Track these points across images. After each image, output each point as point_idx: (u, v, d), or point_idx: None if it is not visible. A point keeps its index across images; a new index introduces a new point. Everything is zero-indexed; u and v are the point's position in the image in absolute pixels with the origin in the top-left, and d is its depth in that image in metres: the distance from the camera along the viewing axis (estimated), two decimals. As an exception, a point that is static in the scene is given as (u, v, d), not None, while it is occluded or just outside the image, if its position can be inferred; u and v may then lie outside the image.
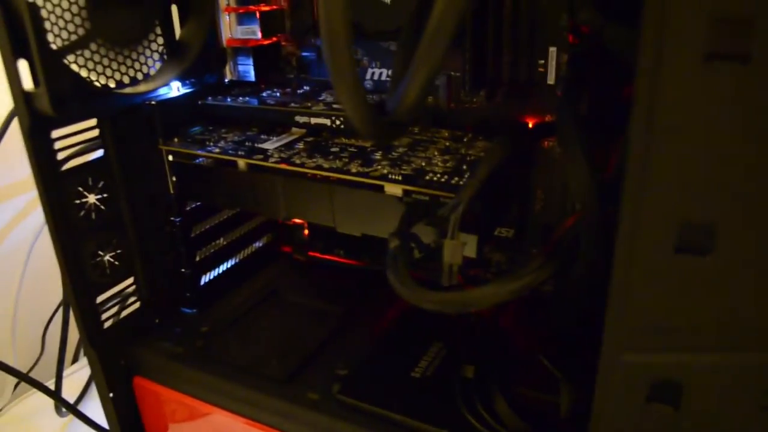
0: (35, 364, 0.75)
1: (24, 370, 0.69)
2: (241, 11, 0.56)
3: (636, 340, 0.30)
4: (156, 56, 0.52)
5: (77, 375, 0.75)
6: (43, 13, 0.43)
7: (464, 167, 0.44)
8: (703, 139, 0.25)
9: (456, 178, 0.42)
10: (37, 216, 0.77)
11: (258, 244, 0.67)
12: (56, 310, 0.74)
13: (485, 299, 0.32)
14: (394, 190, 0.42)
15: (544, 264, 0.33)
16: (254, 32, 0.56)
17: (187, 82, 0.55)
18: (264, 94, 0.56)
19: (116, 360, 0.53)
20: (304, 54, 0.58)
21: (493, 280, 0.33)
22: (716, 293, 0.28)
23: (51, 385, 0.67)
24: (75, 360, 0.81)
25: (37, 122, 0.44)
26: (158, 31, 0.52)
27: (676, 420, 0.31)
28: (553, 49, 0.47)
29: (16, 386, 0.74)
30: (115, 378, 0.53)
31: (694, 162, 0.26)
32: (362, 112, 0.30)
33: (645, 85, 0.25)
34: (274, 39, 0.57)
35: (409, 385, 0.46)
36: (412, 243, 0.39)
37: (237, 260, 0.64)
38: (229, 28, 0.57)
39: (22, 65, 0.43)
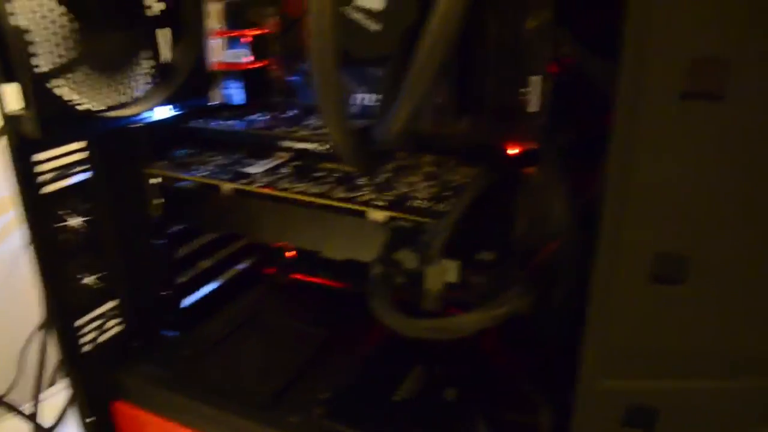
0: (11, 387, 0.73)
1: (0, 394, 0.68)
2: (231, 35, 0.57)
3: (612, 367, 0.31)
4: (144, 79, 0.52)
5: (55, 399, 0.73)
6: (32, 36, 0.43)
7: (447, 193, 0.44)
8: (678, 173, 0.26)
9: (439, 205, 0.42)
10: (14, 238, 0.76)
11: (240, 267, 0.67)
12: (33, 333, 0.72)
13: (468, 326, 0.33)
14: (377, 216, 0.42)
15: (524, 291, 0.34)
16: (242, 56, 0.56)
17: (173, 104, 0.55)
18: (251, 118, 0.56)
19: (97, 383, 0.53)
20: (292, 78, 0.58)
21: (476, 308, 0.33)
22: (689, 321, 0.29)
23: (27, 409, 0.66)
24: (52, 383, 0.79)
25: (22, 145, 0.44)
26: (147, 54, 0.52)
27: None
28: (536, 78, 0.48)
29: (-9, 409, 0.73)
30: (95, 402, 0.53)
31: (668, 194, 0.27)
32: (348, 142, 0.31)
33: (622, 120, 0.26)
34: (263, 63, 0.58)
35: (391, 409, 0.46)
36: (394, 269, 0.39)
37: (219, 282, 0.64)
38: (217, 52, 0.57)
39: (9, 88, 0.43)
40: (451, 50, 0.39)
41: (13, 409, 0.65)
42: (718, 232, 0.27)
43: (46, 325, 0.67)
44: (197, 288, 0.61)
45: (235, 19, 0.57)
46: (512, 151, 0.49)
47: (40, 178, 0.46)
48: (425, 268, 0.37)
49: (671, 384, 0.30)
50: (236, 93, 0.58)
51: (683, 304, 0.28)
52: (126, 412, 0.53)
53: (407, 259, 0.40)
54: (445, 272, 0.37)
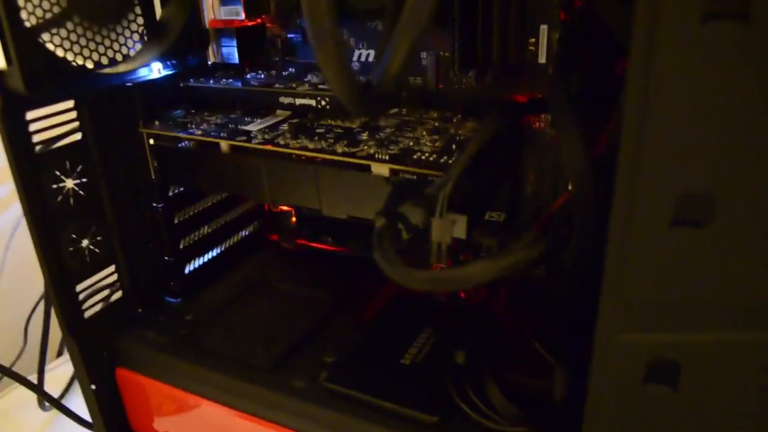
0: (17, 358, 0.73)
1: (6, 364, 0.67)
2: (225, -9, 0.54)
3: (632, 320, 0.29)
4: (136, 37, 0.50)
5: (61, 369, 0.73)
6: (17, -12, 0.42)
7: (453, 147, 0.42)
8: (700, 105, 0.24)
9: (445, 157, 0.40)
10: (15, 208, 0.75)
11: (244, 233, 0.65)
12: (37, 303, 0.72)
13: (475, 276, 0.31)
14: (380, 169, 0.41)
15: (535, 241, 0.32)
16: (238, 13, 0.54)
17: (169, 63, 0.54)
18: (248, 77, 0.54)
19: (98, 351, 0.52)
20: (290, 36, 0.56)
21: (484, 257, 0.32)
22: (714, 267, 0.27)
23: (33, 379, 0.66)
24: (59, 354, 0.79)
25: (10, 102, 0.42)
26: (138, 10, 0.50)
27: (673, 400, 0.30)
28: (544, 27, 0.46)
29: (-2, 380, 0.72)
30: (96, 369, 0.52)
31: (690, 130, 0.25)
32: (347, 84, 0.29)
33: (640, 50, 0.24)
34: (259, 20, 0.56)
35: (399, 372, 0.45)
36: (399, 223, 0.38)
37: (223, 248, 0.63)
38: (212, 9, 0.55)
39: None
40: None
41: (19, 378, 0.65)
42: (744, 168, 0.25)
43: (48, 295, 0.67)
44: (200, 254, 0.60)
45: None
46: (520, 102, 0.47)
47: (32, 139, 0.45)
48: (431, 219, 0.35)
49: (695, 336, 0.28)
50: (232, 52, 0.56)
51: (708, 249, 0.26)
52: (129, 378, 0.52)
53: (412, 213, 0.39)
54: (451, 225, 0.35)
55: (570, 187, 0.42)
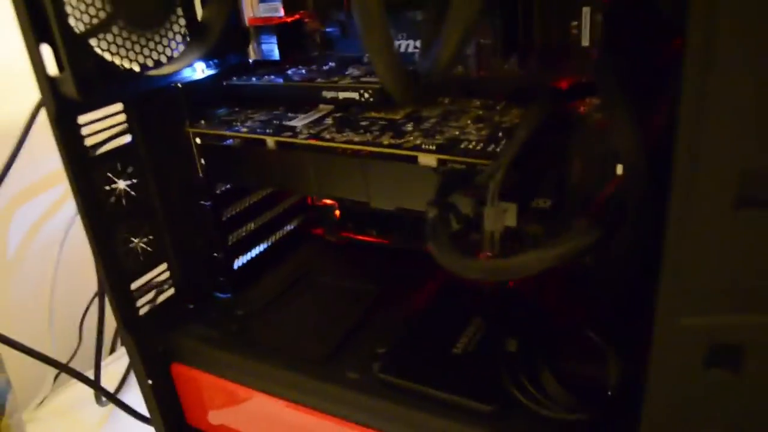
0: (74, 354, 0.75)
1: (63, 361, 0.69)
2: (263, -12, 0.55)
3: (693, 303, 0.29)
4: (179, 38, 0.51)
5: (116, 365, 0.75)
6: (65, -5, 0.43)
7: (500, 134, 0.42)
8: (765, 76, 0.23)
9: (492, 146, 0.40)
10: (68, 208, 0.77)
11: (289, 227, 0.66)
12: (92, 300, 0.74)
13: (531, 265, 0.31)
14: (428, 160, 0.41)
15: (589, 228, 0.32)
16: (276, 9, 0.55)
17: (211, 63, 0.54)
18: (289, 72, 0.55)
19: (153, 347, 0.53)
20: (328, 30, 0.57)
21: (539, 246, 0.32)
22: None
23: (90, 375, 0.68)
24: (113, 350, 0.81)
25: (63, 108, 0.43)
26: (180, 12, 0.51)
27: (735, 385, 0.30)
28: (586, 9, 0.45)
29: (56, 377, 0.75)
30: (153, 365, 0.53)
31: (755, 103, 0.24)
32: (395, 72, 0.29)
33: (698, 27, 0.23)
34: (297, 15, 0.56)
35: (451, 362, 0.45)
36: (450, 213, 0.38)
37: (269, 243, 0.63)
38: (251, 7, 0.56)
39: (46, 50, 0.42)
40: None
41: (76, 374, 0.67)
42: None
43: (102, 293, 0.69)
44: (248, 249, 0.60)
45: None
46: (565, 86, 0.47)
47: (85, 142, 0.46)
48: (483, 209, 0.35)
49: (759, 318, 0.28)
50: (272, 48, 0.57)
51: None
52: (184, 373, 0.53)
53: (462, 202, 0.39)
54: (503, 213, 0.35)
55: (620, 172, 0.42)
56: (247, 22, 0.56)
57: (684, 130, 0.25)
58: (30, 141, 0.66)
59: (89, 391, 0.70)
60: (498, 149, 0.40)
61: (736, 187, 0.25)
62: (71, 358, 0.74)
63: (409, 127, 0.45)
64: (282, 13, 0.55)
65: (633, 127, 0.32)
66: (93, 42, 0.45)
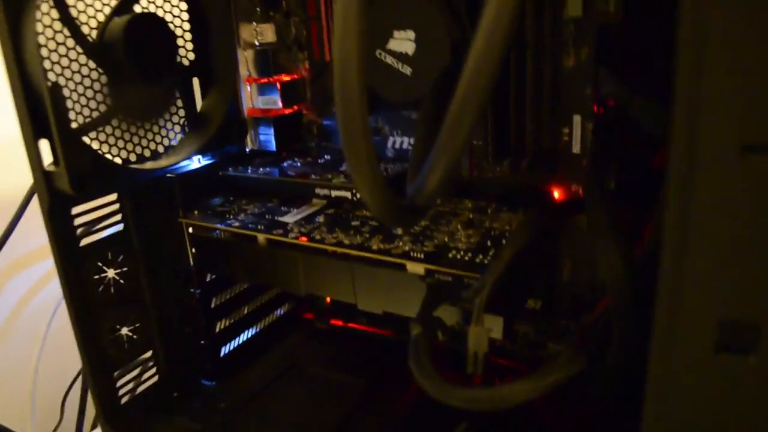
0: (54, 431, 0.74)
1: (43, 439, 0.68)
2: (262, 81, 0.56)
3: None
4: (177, 128, 0.52)
5: (96, 444, 0.73)
6: (65, 92, 0.43)
7: (488, 243, 0.42)
8: (740, 234, 0.24)
9: (480, 256, 0.40)
10: (57, 282, 0.77)
11: (279, 312, 0.66)
12: (75, 378, 0.73)
13: (516, 397, 0.30)
14: (416, 269, 0.41)
15: (575, 356, 0.32)
16: (275, 102, 0.56)
17: (208, 153, 0.55)
18: (285, 164, 0.55)
19: (134, 436, 0.52)
20: (326, 122, 0.58)
21: (524, 376, 0.31)
22: (760, 396, 0.26)
23: (69, 455, 0.66)
24: (94, 426, 0.79)
25: (57, 201, 0.44)
26: (179, 103, 0.52)
27: None
28: (577, 118, 0.46)
29: (34, 455, 0.73)
30: (132, 455, 0.52)
31: (733, 255, 0.24)
32: (380, 201, 0.29)
33: (678, 171, 0.24)
34: (295, 108, 0.57)
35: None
36: (435, 327, 0.38)
37: (257, 329, 0.63)
38: (251, 99, 0.57)
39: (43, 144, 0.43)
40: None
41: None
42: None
43: (85, 376, 0.68)
44: (236, 336, 0.60)
45: (266, 65, 0.56)
46: (557, 197, 0.47)
47: (76, 232, 0.46)
48: (467, 328, 0.35)
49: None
50: (269, 140, 0.58)
51: (753, 376, 0.26)
52: (163, 466, 0.52)
53: (448, 315, 0.39)
54: (488, 333, 0.35)
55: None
56: (245, 113, 0.57)
57: (665, 276, 0.25)
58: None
59: (68, 472, 0.68)
60: (486, 260, 0.40)
61: (716, 332, 0.25)
62: (52, 435, 0.73)
63: (399, 230, 0.45)
64: (280, 105, 0.56)
65: (615, 252, 0.32)
66: (91, 135, 0.45)
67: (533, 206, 0.46)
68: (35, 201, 0.64)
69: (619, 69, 0.41)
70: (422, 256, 0.41)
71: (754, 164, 0.23)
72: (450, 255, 0.41)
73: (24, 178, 0.64)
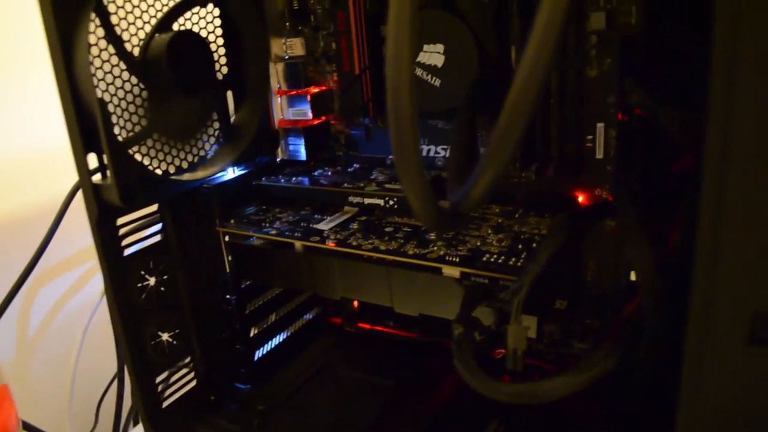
0: (89, 437, 0.76)
1: (78, 443, 0.70)
2: (292, 93, 0.58)
3: (708, 429, 0.30)
4: (212, 140, 0.54)
5: (129, 447, 0.75)
6: (110, 107, 0.45)
7: (519, 246, 0.44)
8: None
9: (513, 259, 0.42)
10: (93, 286, 0.79)
11: (307, 317, 0.67)
12: (110, 383, 0.75)
13: (556, 391, 0.32)
14: (451, 272, 0.43)
15: (611, 351, 0.33)
16: (305, 113, 0.58)
17: (242, 164, 0.57)
18: (315, 173, 0.57)
19: (175, 439, 0.54)
20: (353, 132, 0.60)
21: (564, 371, 0.33)
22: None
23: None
24: (125, 431, 0.81)
25: (104, 212, 0.46)
26: (215, 116, 0.54)
27: None
28: (600, 125, 0.48)
29: (69, 460, 0.75)
30: (173, 456, 0.54)
31: (765, 249, 0.26)
32: (427, 206, 0.31)
33: (712, 175, 0.26)
34: (324, 118, 0.59)
35: (470, 466, 0.46)
36: (473, 327, 0.39)
37: (288, 333, 0.65)
38: (281, 110, 0.59)
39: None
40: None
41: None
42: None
43: (122, 377, 0.70)
44: (268, 340, 0.62)
45: (296, 78, 0.59)
46: (581, 201, 0.49)
47: (120, 242, 0.48)
48: (506, 326, 0.37)
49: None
50: (299, 149, 0.59)
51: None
52: (204, 466, 0.54)
53: (485, 315, 0.40)
54: (525, 330, 0.37)
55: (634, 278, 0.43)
56: (276, 125, 0.59)
57: (699, 274, 0.27)
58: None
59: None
60: (519, 263, 0.41)
61: (748, 324, 0.27)
62: (86, 440, 0.75)
63: (432, 235, 0.47)
64: (310, 116, 0.58)
65: (646, 250, 0.34)
66: (134, 149, 0.47)
67: (560, 210, 0.47)
68: (70, 209, 0.67)
69: (644, 79, 0.43)
70: (457, 259, 0.43)
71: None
72: (484, 258, 0.43)
73: (57, 187, 0.67)
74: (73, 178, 0.46)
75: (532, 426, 0.49)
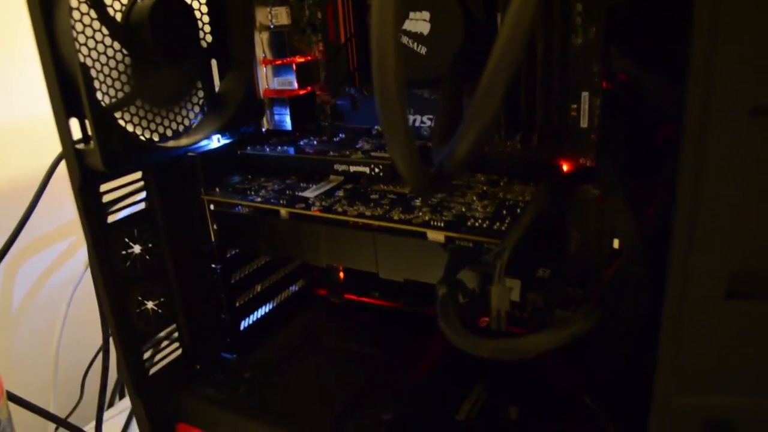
0: (74, 409, 0.76)
1: (62, 415, 0.69)
2: (277, 63, 0.58)
3: (687, 383, 0.31)
4: (197, 109, 0.54)
5: (114, 420, 0.75)
6: (92, 72, 0.45)
7: (504, 212, 0.44)
8: (752, 189, 0.26)
9: (497, 223, 0.42)
10: (76, 261, 0.79)
11: (294, 287, 0.68)
12: (96, 356, 0.75)
13: (540, 346, 0.33)
14: (436, 236, 0.43)
15: (593, 310, 0.34)
16: (290, 83, 0.58)
17: (227, 133, 0.57)
18: (301, 143, 0.57)
19: (160, 407, 0.54)
20: (339, 102, 0.59)
21: (547, 328, 0.34)
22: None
23: (89, 429, 0.68)
24: (111, 404, 0.81)
25: (87, 178, 0.45)
26: (199, 85, 0.53)
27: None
28: (585, 94, 0.48)
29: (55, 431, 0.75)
30: (159, 425, 0.54)
31: (744, 208, 0.26)
32: (413, 166, 0.31)
33: (691, 136, 0.26)
34: (309, 89, 0.59)
35: (454, 428, 0.47)
36: (458, 289, 0.40)
37: (274, 304, 0.65)
38: (266, 80, 0.59)
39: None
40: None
41: (76, 430, 0.67)
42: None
43: (107, 349, 0.70)
44: (254, 310, 0.62)
45: (281, 47, 0.58)
46: (566, 169, 0.49)
47: (104, 209, 0.48)
48: (490, 288, 0.37)
49: (750, 400, 0.30)
50: (284, 119, 0.59)
51: (761, 319, 0.28)
52: (191, 434, 0.54)
53: (469, 278, 0.41)
54: (509, 291, 0.37)
55: (617, 246, 0.44)
56: (262, 94, 0.59)
57: (679, 229, 0.27)
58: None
59: (88, 447, 0.70)
60: (503, 227, 0.42)
61: (727, 279, 0.28)
62: (71, 412, 0.75)
63: (418, 202, 0.47)
64: (296, 85, 0.58)
65: (630, 216, 0.35)
66: (117, 115, 0.47)
67: (545, 179, 0.48)
68: (52, 183, 0.66)
69: (629, 46, 0.43)
70: (442, 224, 0.43)
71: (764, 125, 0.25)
72: (468, 223, 0.43)
73: (42, 160, 0.67)
74: (58, 149, 0.45)
75: (515, 391, 0.50)
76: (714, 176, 0.26)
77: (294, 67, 0.57)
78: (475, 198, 0.47)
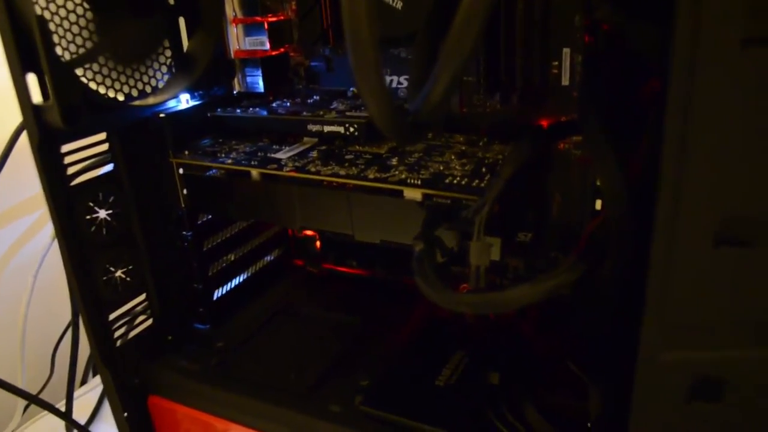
0: (45, 385, 0.73)
1: (34, 392, 0.67)
2: (248, 22, 0.56)
3: (675, 338, 0.29)
4: (164, 69, 0.51)
5: (87, 396, 0.73)
6: (51, 26, 0.43)
7: (483, 169, 0.43)
8: (741, 129, 0.25)
9: (476, 181, 0.41)
10: (43, 235, 0.76)
11: (270, 258, 0.66)
12: (65, 330, 0.72)
13: (520, 299, 0.31)
14: (413, 194, 0.41)
15: (576, 262, 0.33)
16: (262, 43, 0.55)
17: (196, 94, 0.54)
18: (274, 105, 0.55)
19: (130, 379, 0.52)
20: (313, 64, 0.57)
21: (527, 280, 0.32)
22: (759, 286, 0.27)
23: (61, 406, 0.66)
24: (84, 381, 0.79)
25: (46, 136, 0.43)
26: (166, 43, 0.51)
27: (718, 418, 0.30)
28: (566, 50, 0.47)
29: (26, 408, 0.73)
30: (129, 397, 0.52)
31: (732, 154, 0.25)
32: (386, 109, 0.30)
33: (680, 76, 0.25)
34: (282, 49, 0.57)
35: (434, 394, 0.45)
36: (435, 247, 0.38)
37: (249, 274, 0.63)
38: (237, 40, 0.56)
39: (31, 79, 0.42)
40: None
41: (47, 406, 0.65)
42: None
43: (76, 323, 0.67)
44: (228, 280, 0.60)
45: (252, 5, 0.56)
46: (546, 125, 0.48)
47: (67, 171, 0.46)
48: (469, 243, 0.35)
49: (740, 353, 0.29)
50: (257, 81, 0.57)
51: (752, 267, 0.27)
52: (161, 406, 0.53)
53: (447, 237, 0.39)
54: (488, 248, 0.36)
55: (599, 207, 0.43)
56: (232, 55, 0.57)
57: (666, 174, 0.26)
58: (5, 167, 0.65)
59: (60, 423, 0.68)
60: (482, 184, 0.40)
61: (716, 227, 0.26)
62: (42, 389, 0.73)
63: (394, 161, 0.45)
64: (268, 46, 0.56)
65: (614, 167, 0.33)
66: (79, 71, 0.45)
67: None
68: (20, 155, 0.64)
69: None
70: (419, 182, 0.41)
71: (755, 57, 0.24)
72: (447, 180, 0.41)
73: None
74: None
75: (496, 358, 0.49)
76: (703, 117, 0.25)
77: (266, 26, 0.55)
78: (453, 157, 0.46)
